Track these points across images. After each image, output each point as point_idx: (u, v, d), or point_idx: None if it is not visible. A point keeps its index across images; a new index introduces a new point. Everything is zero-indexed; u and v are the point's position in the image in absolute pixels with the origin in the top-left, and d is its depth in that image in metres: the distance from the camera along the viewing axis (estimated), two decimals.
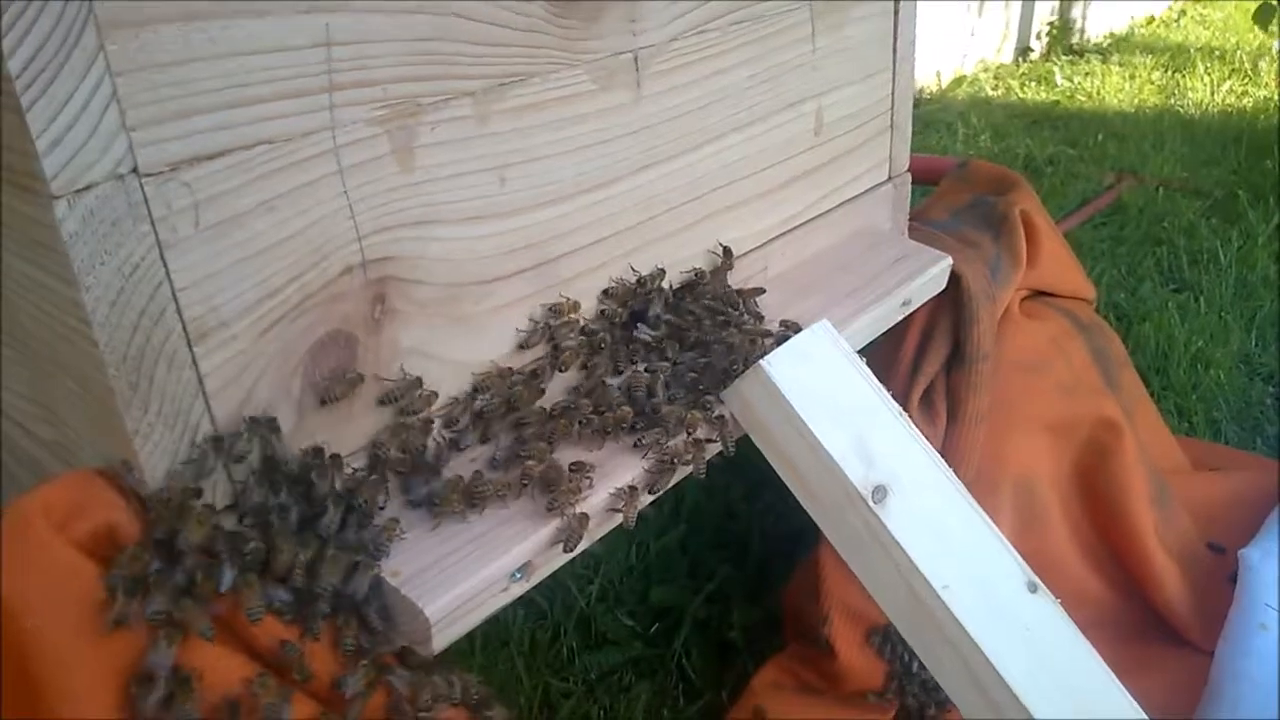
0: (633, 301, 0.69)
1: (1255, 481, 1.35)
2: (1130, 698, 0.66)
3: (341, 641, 0.50)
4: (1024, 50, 3.76)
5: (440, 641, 0.52)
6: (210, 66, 0.46)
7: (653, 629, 1.27)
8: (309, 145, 0.50)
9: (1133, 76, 3.52)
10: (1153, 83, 3.44)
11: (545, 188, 0.62)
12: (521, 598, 0.58)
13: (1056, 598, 0.69)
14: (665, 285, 0.72)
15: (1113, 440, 1.12)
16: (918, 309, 1.09)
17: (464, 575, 0.53)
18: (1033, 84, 3.47)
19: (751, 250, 0.80)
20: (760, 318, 0.73)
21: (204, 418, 0.50)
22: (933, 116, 3.13)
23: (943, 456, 0.71)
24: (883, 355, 1.12)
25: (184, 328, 0.48)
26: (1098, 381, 1.13)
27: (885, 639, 1.07)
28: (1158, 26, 4.36)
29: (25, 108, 0.41)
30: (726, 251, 0.76)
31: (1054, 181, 2.55)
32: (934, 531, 0.63)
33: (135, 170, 0.45)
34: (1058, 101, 3.18)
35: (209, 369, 0.49)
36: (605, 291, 0.69)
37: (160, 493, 0.48)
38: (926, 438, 0.70)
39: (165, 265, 0.46)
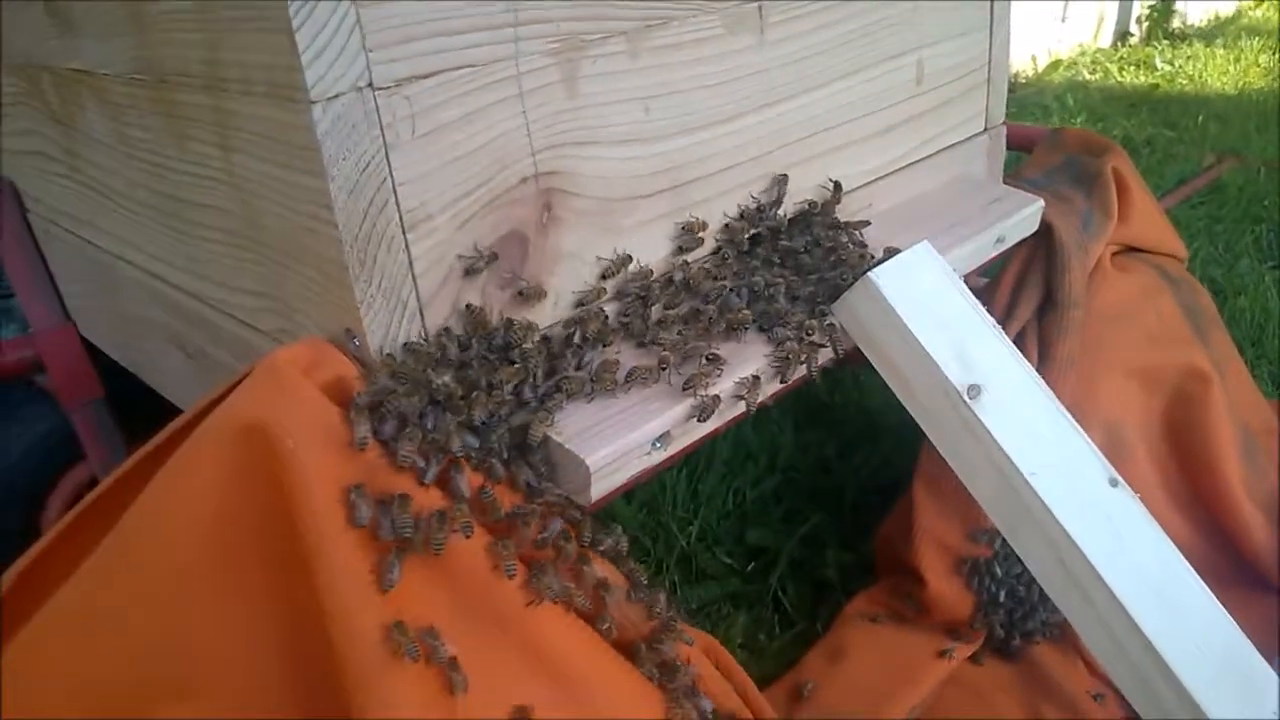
0: (754, 224, 0.78)
1: None
2: (1202, 583, 0.73)
3: (516, 481, 0.61)
4: (1123, 35, 3.73)
5: (597, 490, 0.63)
6: (427, 3, 0.57)
7: (749, 567, 1.36)
8: (499, 70, 0.61)
9: (1238, 59, 3.46)
10: (1259, 65, 3.38)
11: (682, 118, 0.73)
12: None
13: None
14: (782, 212, 0.81)
15: (1200, 390, 1.17)
16: (1012, 261, 1.16)
17: (615, 437, 0.64)
18: (1131, 68, 3.45)
19: (859, 187, 0.89)
20: (864, 245, 0.82)
21: (411, 295, 0.61)
22: (1028, 100, 3.14)
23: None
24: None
25: (400, 218, 0.59)
26: (1186, 333, 1.19)
27: (973, 571, 1.15)
28: (1267, 9, 4.26)
29: (295, 29, 0.53)
30: (836, 186, 0.85)
31: (1150, 162, 2.56)
32: (1023, 426, 0.71)
33: (370, 84, 0.56)
34: (1157, 85, 3.16)
35: (418, 254, 0.60)
36: (730, 214, 0.79)
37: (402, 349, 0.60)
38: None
39: (389, 164, 0.58)
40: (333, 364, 0.59)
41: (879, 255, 0.80)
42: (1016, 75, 3.29)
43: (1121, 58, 3.55)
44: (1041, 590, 0.74)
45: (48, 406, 1.21)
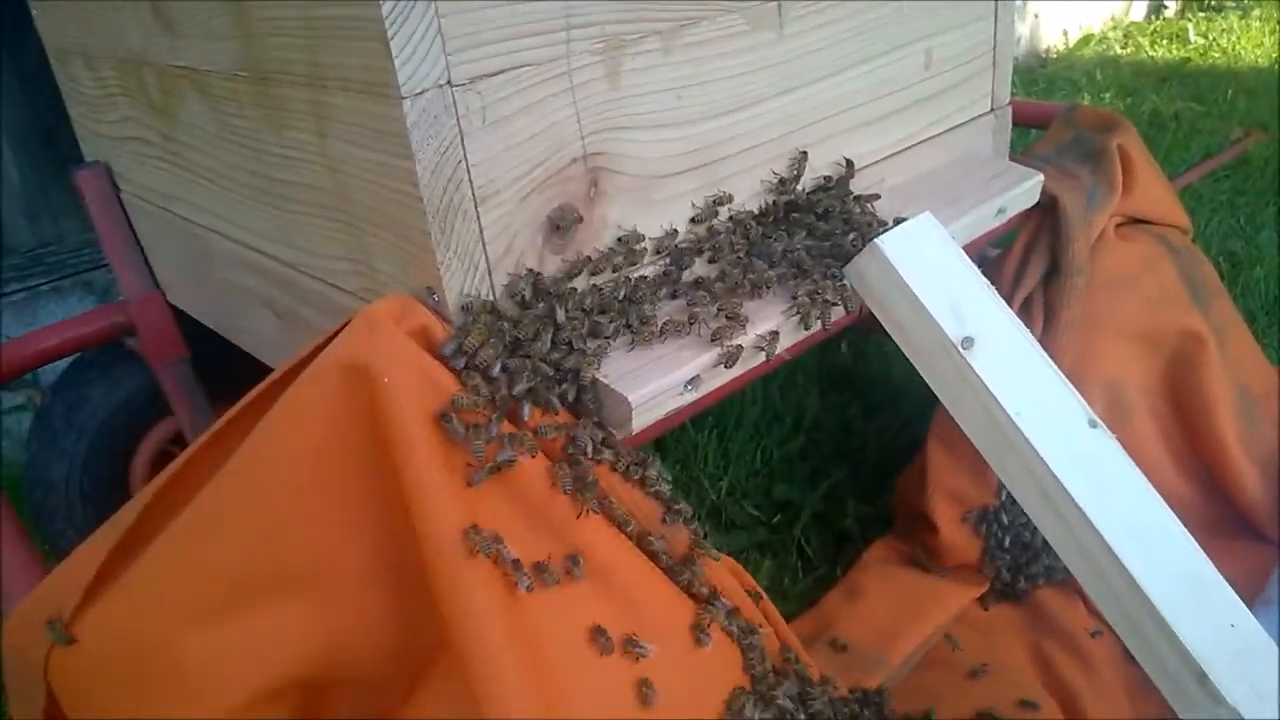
0: (775, 197, 0.90)
1: None
2: (1170, 511, 0.83)
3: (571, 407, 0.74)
4: (1158, 7, 3.76)
5: (638, 423, 0.75)
6: (495, 11, 0.69)
7: (775, 519, 1.48)
8: (554, 68, 0.73)
9: (1274, 32, 3.49)
10: None
11: (709, 105, 0.84)
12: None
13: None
14: (800, 187, 0.93)
15: (1197, 351, 1.27)
16: (1021, 232, 1.27)
17: (652, 379, 0.76)
18: (1164, 41, 3.49)
19: (870, 165, 1.00)
20: (874, 216, 0.93)
21: (481, 258, 0.74)
22: (1058, 75, 3.20)
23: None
24: (989, 272, 1.30)
25: (473, 193, 0.71)
26: (1185, 298, 1.29)
27: (981, 519, 1.26)
28: None
29: (389, 37, 0.65)
30: (849, 164, 0.96)
31: (1177, 136, 2.62)
32: (1010, 373, 0.83)
33: (449, 82, 0.68)
34: (1188, 58, 3.21)
35: (487, 224, 0.73)
36: (753, 189, 0.90)
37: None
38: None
39: (464, 148, 0.70)
40: (417, 315, 0.72)
41: (888, 224, 0.91)
42: (1047, 50, 3.35)
43: (1154, 31, 3.59)
44: (1045, 537, 0.86)
45: (136, 367, 1.35)
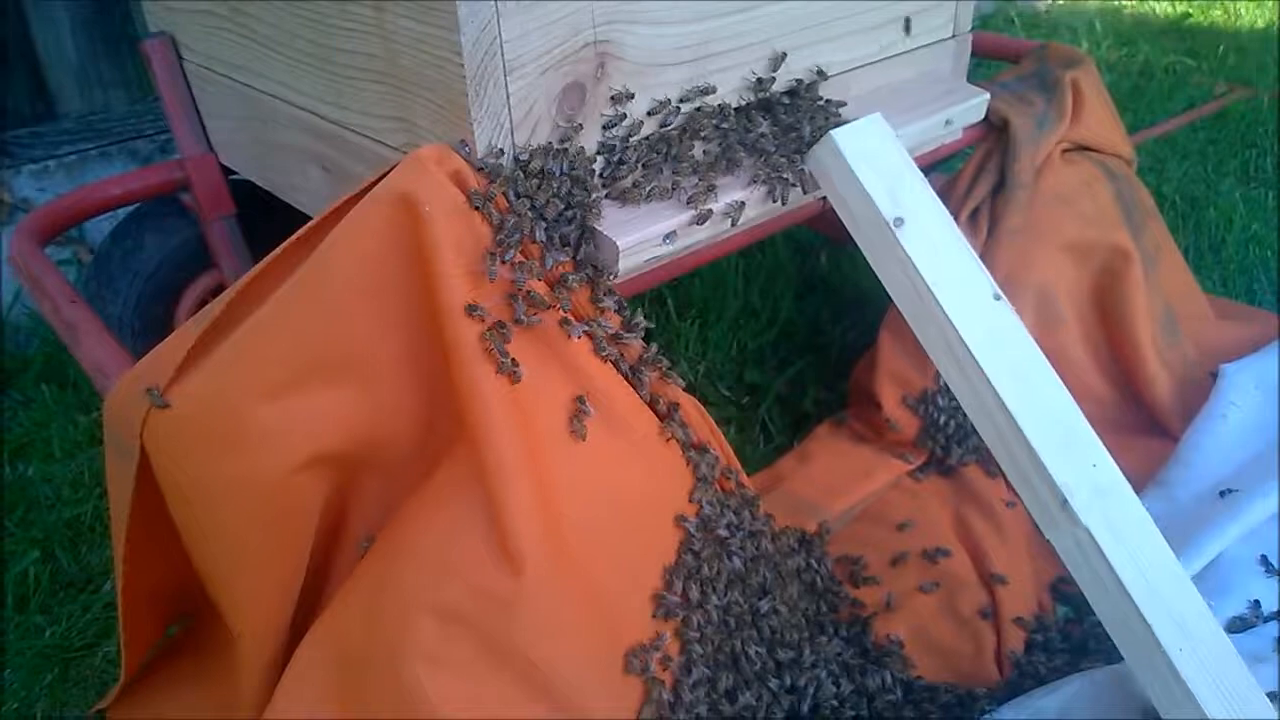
0: (754, 93, 1.09)
1: (1268, 333, 1.65)
2: (1056, 375, 1.03)
3: (574, 257, 0.93)
4: None
5: (624, 265, 0.95)
6: None
7: (745, 400, 1.69)
8: None
9: None
10: None
11: (702, 7, 1.02)
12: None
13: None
14: (776, 87, 1.11)
15: (1122, 265, 1.46)
16: (977, 151, 1.45)
17: (637, 230, 0.96)
18: None
19: (838, 74, 1.18)
20: (838, 116, 1.12)
21: (507, 118, 0.93)
22: (1060, 20, 3.34)
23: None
24: (945, 184, 1.49)
25: (504, 64, 0.90)
26: (1117, 219, 1.48)
27: (920, 400, 1.47)
28: None
29: None
30: (820, 72, 1.15)
31: (1164, 87, 2.77)
32: (932, 250, 1.02)
33: None
34: (1188, 14, 3.34)
35: (513, 90, 0.92)
36: (734, 85, 1.09)
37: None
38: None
39: (499, 26, 0.88)
40: (453, 161, 0.91)
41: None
42: None
43: None
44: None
45: (185, 221, 1.54)
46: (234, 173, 1.46)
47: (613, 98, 0.99)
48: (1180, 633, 0.96)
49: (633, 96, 1.00)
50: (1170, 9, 3.45)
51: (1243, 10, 3.38)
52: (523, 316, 0.89)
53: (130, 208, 1.54)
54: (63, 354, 1.78)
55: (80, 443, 1.62)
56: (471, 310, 0.88)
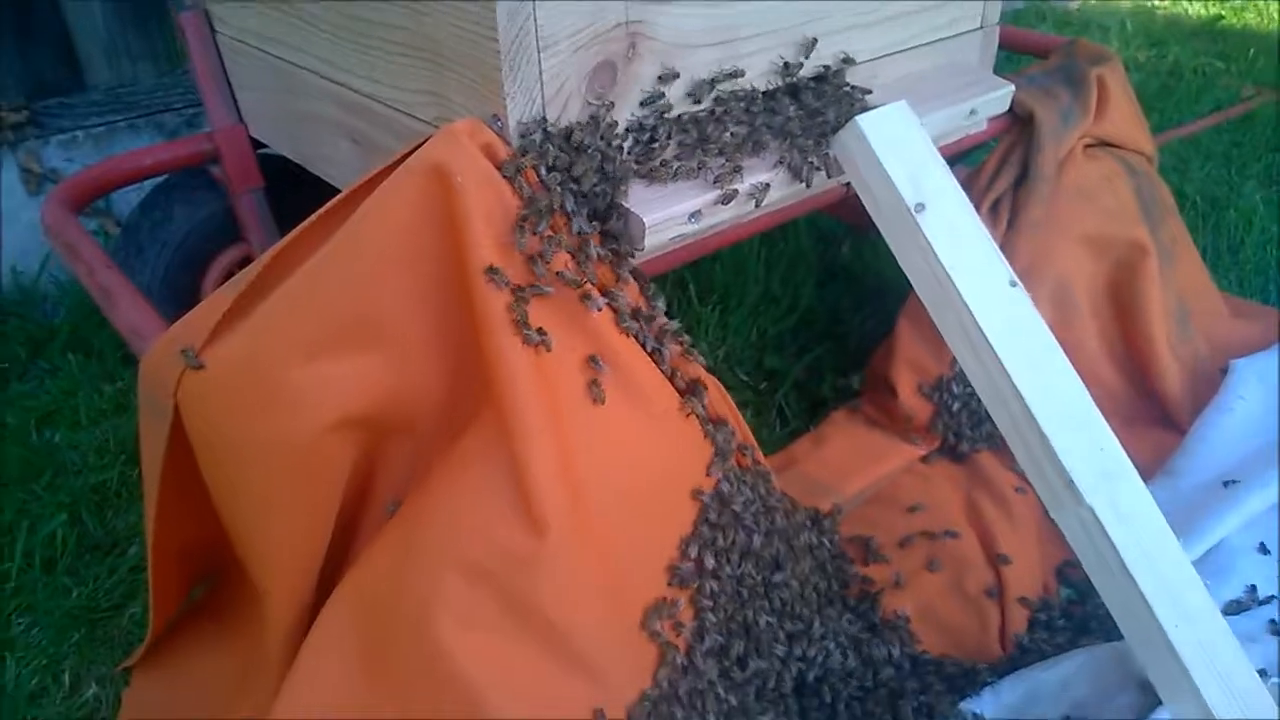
0: (782, 78, 1.11)
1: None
2: (1068, 362, 1.06)
3: (602, 229, 0.96)
4: None
5: (650, 242, 0.98)
6: None
7: (763, 385, 1.72)
8: None
9: None
10: None
11: None
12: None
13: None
14: (804, 72, 1.14)
15: (1140, 261, 1.48)
16: (1001, 142, 1.48)
17: (664, 208, 0.99)
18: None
19: (866, 61, 1.21)
20: (864, 103, 1.15)
21: (539, 94, 0.95)
22: (1092, 19, 3.34)
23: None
24: (968, 175, 1.51)
25: (537, 41, 0.93)
26: (1136, 214, 1.50)
27: (935, 387, 1.49)
28: None
29: None
30: (848, 59, 1.17)
31: (1192, 89, 2.78)
32: (951, 236, 1.04)
33: None
34: (1221, 16, 3.34)
35: (546, 67, 0.94)
36: (763, 69, 1.11)
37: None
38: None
39: (534, 4, 0.91)
40: (485, 135, 0.94)
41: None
42: None
43: None
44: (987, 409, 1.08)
45: (214, 194, 1.58)
46: (263, 146, 1.50)
47: (660, 76, 1.02)
48: (1178, 611, 0.99)
49: (677, 76, 1.03)
50: (1203, 10, 3.45)
51: (1275, 12, 3.38)
52: (541, 284, 0.91)
53: (158, 180, 1.58)
54: (88, 324, 1.82)
55: (106, 411, 1.66)
56: (491, 273, 0.90)
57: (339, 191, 1.00)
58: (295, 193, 1.43)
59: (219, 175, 1.53)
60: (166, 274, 1.58)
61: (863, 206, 1.09)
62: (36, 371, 1.76)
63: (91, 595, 1.32)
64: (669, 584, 1.00)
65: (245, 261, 1.61)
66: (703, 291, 1.90)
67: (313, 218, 0.97)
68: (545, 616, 0.91)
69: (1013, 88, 1.29)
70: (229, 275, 1.65)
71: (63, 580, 1.34)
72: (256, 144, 1.49)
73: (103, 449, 1.57)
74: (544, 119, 0.97)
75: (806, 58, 1.14)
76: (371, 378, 0.97)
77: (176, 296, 1.59)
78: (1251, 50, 3.04)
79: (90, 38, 2.00)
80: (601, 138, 0.97)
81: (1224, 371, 1.54)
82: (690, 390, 1.04)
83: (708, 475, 1.04)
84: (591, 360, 0.94)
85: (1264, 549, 1.25)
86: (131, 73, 2.07)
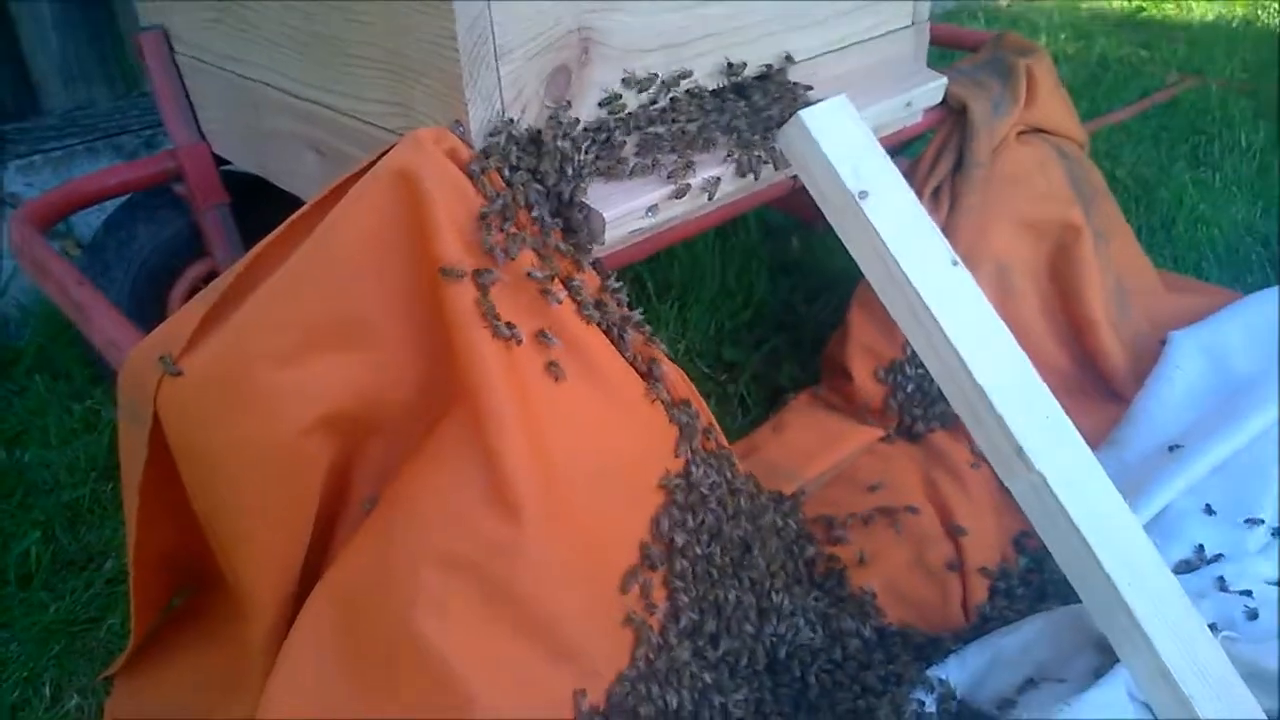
0: (728, 77, 1.16)
1: (1215, 304, 1.74)
2: (1011, 335, 1.12)
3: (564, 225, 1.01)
4: None
5: (610, 237, 1.02)
6: None
7: (723, 377, 1.77)
8: None
9: None
10: None
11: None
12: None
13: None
14: (748, 71, 1.19)
15: (1073, 241, 1.55)
16: (938, 134, 1.54)
17: (621, 203, 1.03)
18: None
19: (806, 60, 1.26)
20: (805, 99, 1.20)
21: (498, 100, 1.00)
22: (1020, 15, 3.45)
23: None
24: (909, 166, 1.57)
25: (495, 49, 0.97)
26: (1069, 197, 1.57)
27: (889, 371, 1.55)
28: None
29: None
30: (789, 57, 1.23)
31: (1119, 77, 2.89)
32: (894, 221, 1.10)
33: None
34: (1142, 7, 3.47)
35: (504, 74, 0.99)
36: (708, 69, 1.16)
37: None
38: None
39: (491, 15, 0.96)
40: (449, 140, 0.98)
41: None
42: None
43: None
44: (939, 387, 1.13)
45: (177, 211, 1.60)
46: (226, 163, 1.52)
47: (615, 79, 1.06)
48: (1129, 570, 1.04)
49: (631, 78, 1.08)
50: (1125, 3, 3.58)
51: (1193, 4, 3.51)
52: (496, 269, 0.94)
53: (120, 199, 1.59)
54: (55, 345, 1.83)
55: (76, 430, 1.67)
56: (446, 272, 0.93)
57: (302, 204, 1.03)
58: (258, 208, 1.45)
59: (182, 193, 1.55)
60: (134, 289, 1.60)
61: (810, 199, 1.14)
62: (3, 393, 1.76)
63: (69, 609, 1.33)
64: (641, 564, 1.04)
65: (210, 276, 1.63)
66: (661, 289, 1.95)
67: (283, 226, 1.00)
68: (525, 602, 0.94)
69: (945, 80, 1.36)
70: (195, 290, 1.67)
71: (39, 595, 1.35)
72: (220, 160, 1.51)
73: (73, 467, 1.58)
74: (506, 122, 1.01)
75: (749, 58, 1.19)
76: (348, 377, 1.00)
77: (143, 312, 1.61)
78: (1175, 39, 3.16)
79: (45, 61, 2.01)
80: (562, 137, 1.01)
81: (1164, 343, 1.60)
82: (653, 374, 1.08)
83: (675, 456, 1.09)
84: (541, 335, 0.97)
85: (1210, 510, 1.31)
86: (88, 95, 2.08)
